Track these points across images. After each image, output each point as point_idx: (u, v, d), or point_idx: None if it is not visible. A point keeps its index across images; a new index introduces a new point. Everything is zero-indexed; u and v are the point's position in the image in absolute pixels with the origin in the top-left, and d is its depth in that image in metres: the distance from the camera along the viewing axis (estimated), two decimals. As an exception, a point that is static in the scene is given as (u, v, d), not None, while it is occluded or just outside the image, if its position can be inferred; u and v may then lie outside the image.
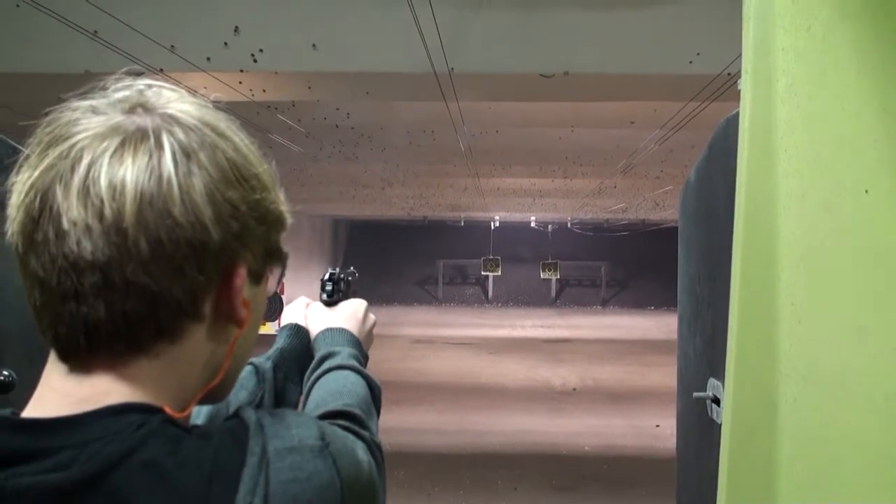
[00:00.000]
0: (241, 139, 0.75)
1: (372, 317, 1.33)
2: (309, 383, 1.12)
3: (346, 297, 1.34)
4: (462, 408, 10.56)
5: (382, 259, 26.01)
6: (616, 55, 4.99)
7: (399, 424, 8.73)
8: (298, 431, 0.73)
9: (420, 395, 11.05)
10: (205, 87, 5.11)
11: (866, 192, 1.06)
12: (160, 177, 0.68)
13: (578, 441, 8.86)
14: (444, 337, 18.86)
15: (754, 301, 1.28)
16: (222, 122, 0.75)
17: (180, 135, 0.70)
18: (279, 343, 1.29)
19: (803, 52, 1.17)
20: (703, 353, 2.58)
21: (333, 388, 1.06)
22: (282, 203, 0.79)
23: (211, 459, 0.67)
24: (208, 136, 0.72)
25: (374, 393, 1.10)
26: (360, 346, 1.24)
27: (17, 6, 4.43)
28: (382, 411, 1.12)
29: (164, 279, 0.68)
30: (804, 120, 1.17)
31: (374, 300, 1.36)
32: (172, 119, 0.71)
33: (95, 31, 4.50)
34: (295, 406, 1.23)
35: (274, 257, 0.79)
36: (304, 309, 1.33)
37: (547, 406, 10.86)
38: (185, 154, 0.69)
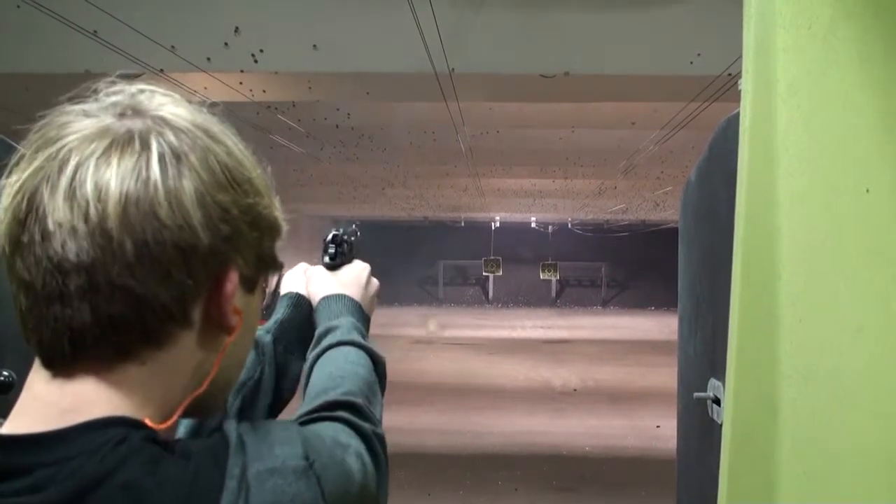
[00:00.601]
0: (234, 143, 0.74)
1: (375, 281, 1.27)
2: (308, 364, 1.07)
3: (348, 259, 1.26)
4: (462, 408, 10.55)
5: (382, 259, 25.98)
6: (616, 56, 4.99)
7: (399, 425, 8.72)
8: (282, 450, 0.71)
9: (420, 395, 11.03)
10: (205, 88, 5.12)
11: (867, 191, 1.06)
12: (147, 179, 0.67)
13: (579, 442, 8.86)
14: (444, 337, 18.85)
15: (755, 301, 1.28)
16: (215, 125, 0.74)
17: (170, 137, 0.69)
18: (278, 314, 1.23)
19: (804, 52, 1.16)
20: (704, 353, 2.58)
21: (334, 372, 1.01)
22: (276, 209, 0.77)
23: (190, 481, 0.66)
24: (200, 138, 0.71)
25: (378, 368, 1.06)
26: (362, 311, 1.20)
27: (18, 6, 4.43)
28: (383, 412, 1.09)
29: (150, 282, 0.67)
30: (804, 120, 1.17)
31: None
32: (163, 122, 0.70)
33: (95, 31, 4.51)
34: (297, 379, 1.18)
35: (268, 265, 0.77)
36: (304, 274, 1.26)
37: (547, 407, 10.85)
38: (175, 156, 0.69)
